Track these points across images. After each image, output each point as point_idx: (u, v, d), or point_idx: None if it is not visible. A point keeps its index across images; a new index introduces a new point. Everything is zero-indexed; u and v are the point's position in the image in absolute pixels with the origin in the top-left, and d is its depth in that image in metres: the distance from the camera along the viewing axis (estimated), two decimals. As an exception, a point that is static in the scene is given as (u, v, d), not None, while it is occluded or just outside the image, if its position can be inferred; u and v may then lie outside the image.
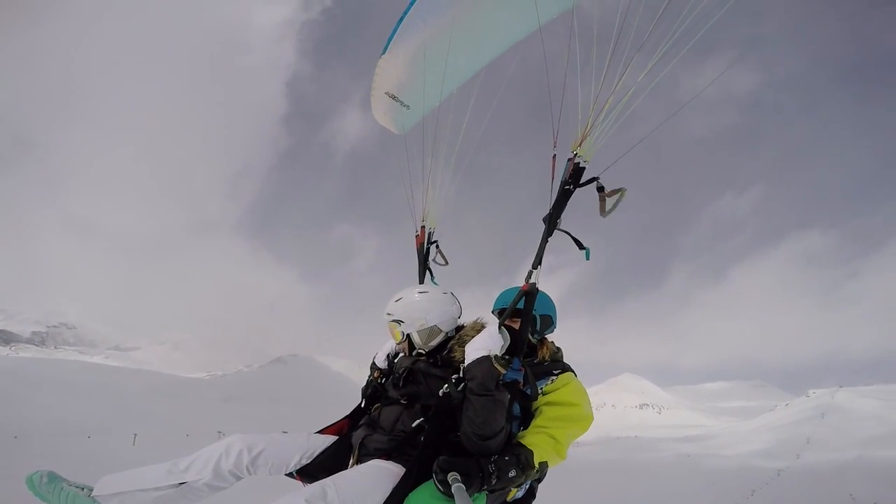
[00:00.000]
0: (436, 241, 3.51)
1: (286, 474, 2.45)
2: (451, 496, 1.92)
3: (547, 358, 2.63)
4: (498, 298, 2.88)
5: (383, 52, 3.99)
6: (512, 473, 2.12)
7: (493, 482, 2.07)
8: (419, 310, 2.66)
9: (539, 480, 2.49)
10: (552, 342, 2.74)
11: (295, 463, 2.41)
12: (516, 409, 2.37)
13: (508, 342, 2.37)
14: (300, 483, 2.46)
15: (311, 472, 2.42)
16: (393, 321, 2.69)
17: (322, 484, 2.00)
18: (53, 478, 2.19)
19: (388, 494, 2.06)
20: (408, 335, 2.68)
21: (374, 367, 2.93)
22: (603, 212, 2.41)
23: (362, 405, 2.81)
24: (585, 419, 2.40)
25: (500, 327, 2.39)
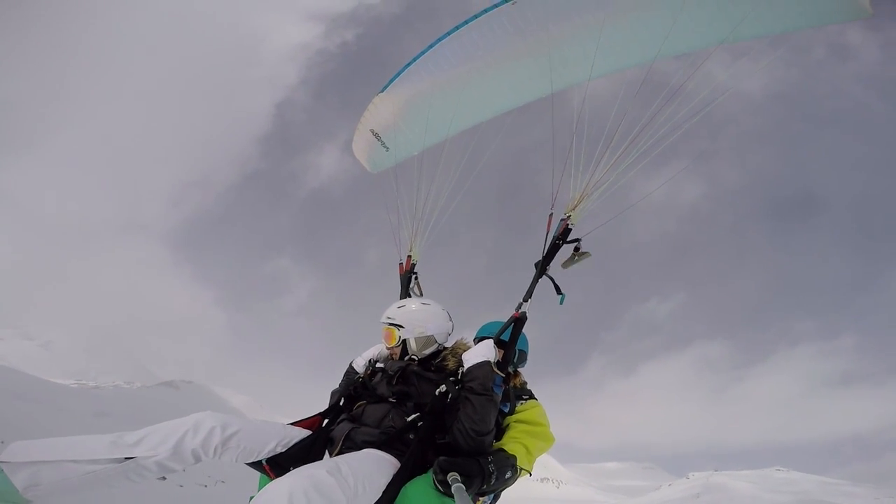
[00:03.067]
0: (416, 273, 3.65)
1: (250, 463, 2.22)
2: (450, 496, 1.93)
3: (518, 386, 2.88)
4: (481, 328, 3.11)
5: (381, 90, 4.11)
6: (508, 474, 2.25)
7: (493, 482, 2.15)
8: (420, 319, 2.84)
9: (497, 497, 2.63)
10: (522, 375, 3.00)
11: (269, 450, 2.21)
12: None
13: (498, 359, 2.59)
14: (264, 474, 2.27)
15: (282, 462, 2.24)
16: (392, 325, 2.82)
17: (334, 460, 1.93)
18: None
19: (389, 480, 2.05)
20: (403, 341, 2.81)
21: (352, 370, 2.96)
22: (566, 265, 2.93)
23: (340, 403, 2.70)
24: (550, 438, 2.63)
25: (494, 343, 2.58)
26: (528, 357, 3.10)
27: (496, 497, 2.65)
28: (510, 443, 2.43)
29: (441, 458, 2.09)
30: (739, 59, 3.19)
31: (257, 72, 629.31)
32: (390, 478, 2.07)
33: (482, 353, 2.46)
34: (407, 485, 2.07)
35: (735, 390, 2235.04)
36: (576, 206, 2.95)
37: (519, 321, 2.79)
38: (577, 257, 2.91)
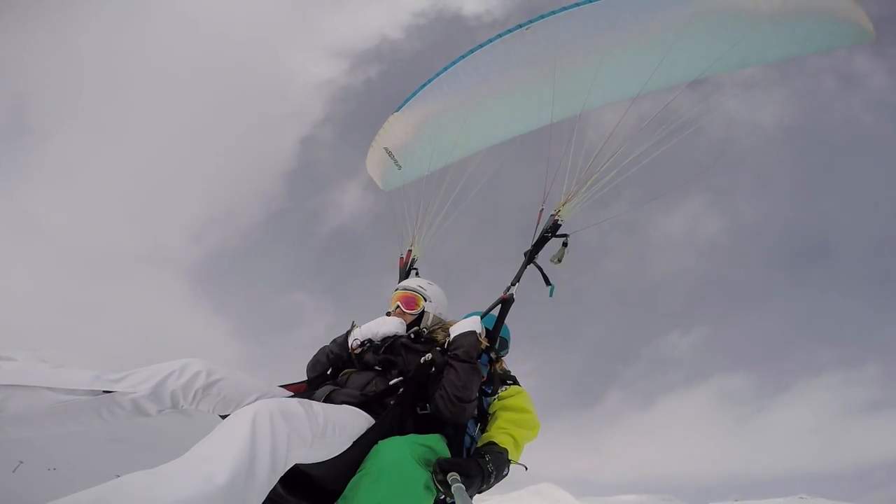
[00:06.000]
0: (416, 269, 3.76)
1: (226, 416, 2.01)
2: (450, 496, 1.91)
3: (502, 371, 2.93)
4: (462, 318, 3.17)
5: (397, 110, 4.28)
6: (505, 471, 2.28)
7: (492, 480, 2.15)
8: (443, 300, 3.05)
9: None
10: (504, 362, 3.08)
11: (248, 403, 2.06)
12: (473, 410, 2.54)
13: (485, 334, 2.65)
14: None
15: None
16: (420, 295, 2.95)
17: (307, 399, 1.90)
18: None
19: (362, 432, 2.02)
20: (421, 312, 2.92)
21: (344, 343, 2.90)
22: (555, 260, 3.07)
23: (328, 372, 2.70)
24: (536, 425, 2.62)
25: (482, 318, 2.66)
26: (510, 346, 3.20)
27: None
28: (498, 434, 2.43)
29: (440, 458, 2.04)
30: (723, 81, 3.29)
31: (283, 108, 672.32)
32: (364, 431, 2.03)
33: (468, 324, 2.53)
34: (381, 441, 2.02)
35: (757, 421, 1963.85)
36: (565, 203, 3.13)
37: (506, 302, 2.89)
38: (563, 251, 3.06)
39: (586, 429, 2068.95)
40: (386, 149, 4.64)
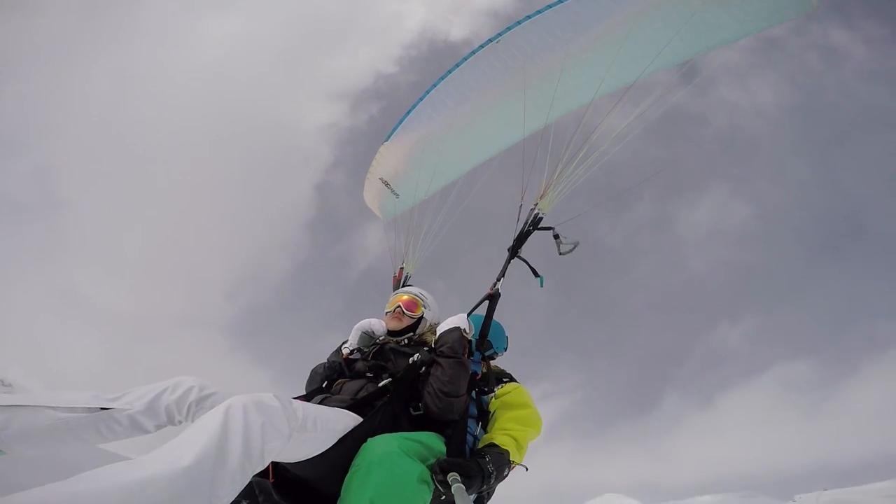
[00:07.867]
0: (410, 285, 3.76)
1: None
2: (451, 496, 1.91)
3: (496, 370, 2.91)
4: None
5: (386, 140, 4.37)
6: (505, 472, 2.27)
7: (492, 481, 2.13)
8: (438, 312, 3.06)
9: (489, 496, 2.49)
10: (498, 364, 3.05)
11: None
12: (473, 409, 2.55)
13: (474, 331, 2.66)
14: None
15: None
16: (419, 302, 2.98)
17: (287, 397, 1.89)
18: None
19: (348, 429, 2.01)
20: (419, 318, 2.94)
21: (338, 352, 2.96)
22: (563, 253, 3.09)
23: (323, 385, 2.68)
24: (538, 421, 2.59)
25: (468, 316, 2.69)
26: (508, 347, 3.17)
27: (489, 496, 2.53)
28: (499, 435, 2.41)
29: (440, 458, 2.03)
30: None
31: (293, 157, 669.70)
32: (349, 429, 2.01)
33: (453, 321, 2.56)
34: (370, 438, 1.99)
35: (830, 406, 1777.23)
36: (542, 196, 3.15)
37: (493, 297, 2.95)
38: (561, 245, 3.08)
39: (646, 435, 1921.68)
40: (381, 179, 4.72)
